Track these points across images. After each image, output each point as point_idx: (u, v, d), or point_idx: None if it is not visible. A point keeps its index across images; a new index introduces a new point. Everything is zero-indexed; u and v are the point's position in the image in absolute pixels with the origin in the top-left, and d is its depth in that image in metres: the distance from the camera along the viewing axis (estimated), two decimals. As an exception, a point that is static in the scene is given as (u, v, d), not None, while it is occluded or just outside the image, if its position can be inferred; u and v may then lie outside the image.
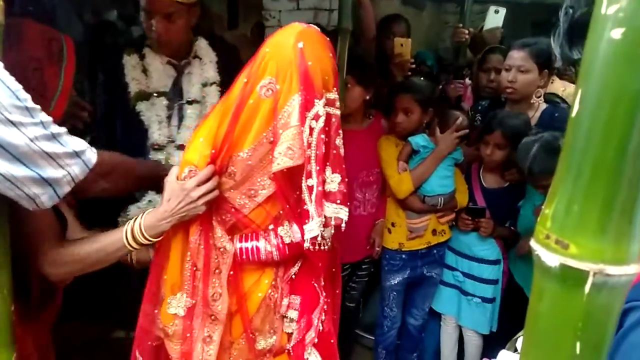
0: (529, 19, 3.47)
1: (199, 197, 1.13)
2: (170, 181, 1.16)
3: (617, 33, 0.30)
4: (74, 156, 0.92)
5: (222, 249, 1.17)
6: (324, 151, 1.13)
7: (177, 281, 1.20)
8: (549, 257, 0.34)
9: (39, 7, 2.61)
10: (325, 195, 1.17)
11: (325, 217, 1.16)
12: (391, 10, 2.94)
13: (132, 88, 1.63)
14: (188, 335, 1.19)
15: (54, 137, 0.88)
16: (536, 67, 1.93)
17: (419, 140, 1.94)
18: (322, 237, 1.15)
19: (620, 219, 0.32)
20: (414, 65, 2.38)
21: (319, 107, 1.11)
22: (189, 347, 1.19)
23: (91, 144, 1.00)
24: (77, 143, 0.93)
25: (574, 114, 0.33)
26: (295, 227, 1.16)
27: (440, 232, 2.04)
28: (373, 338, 2.29)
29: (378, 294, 2.25)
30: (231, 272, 1.19)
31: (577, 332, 0.34)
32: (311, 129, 1.10)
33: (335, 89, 1.17)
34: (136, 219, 1.14)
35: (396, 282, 2.08)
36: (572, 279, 0.33)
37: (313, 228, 1.12)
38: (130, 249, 1.14)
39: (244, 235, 1.20)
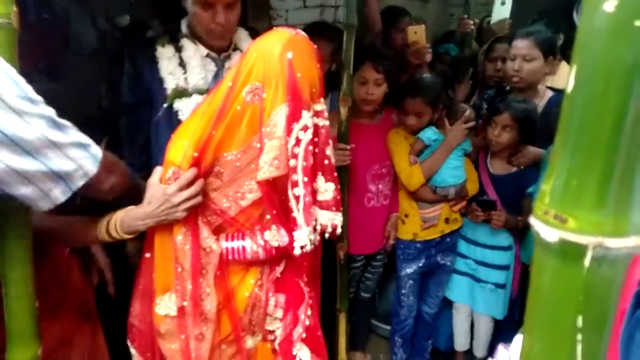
0: (536, 8, 3.44)
1: (180, 203, 1.11)
2: (152, 183, 1.16)
3: (610, 6, 0.30)
4: (81, 148, 0.92)
5: (208, 249, 1.18)
6: (312, 162, 1.14)
7: (164, 281, 1.21)
8: (548, 232, 0.34)
9: (51, 13, 2.66)
10: (320, 204, 1.21)
11: (321, 224, 1.22)
12: (397, 3, 2.93)
13: (168, 84, 1.46)
14: (183, 336, 1.20)
15: (58, 127, 0.88)
16: (541, 54, 1.93)
17: (429, 134, 1.96)
18: (311, 243, 1.18)
19: (618, 192, 0.32)
20: (430, 54, 2.36)
21: (306, 118, 1.11)
22: (183, 346, 1.21)
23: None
24: (82, 136, 0.93)
25: (569, 89, 0.33)
26: (282, 231, 1.17)
27: (453, 220, 2.06)
28: (389, 327, 2.31)
29: (392, 284, 2.27)
30: (218, 272, 1.20)
31: (579, 306, 0.34)
32: (298, 140, 1.10)
33: (322, 99, 1.17)
34: (115, 212, 1.15)
35: (412, 270, 2.11)
36: (571, 253, 0.33)
37: (302, 237, 1.15)
38: (101, 238, 1.15)
39: (229, 234, 1.21)
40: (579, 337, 0.34)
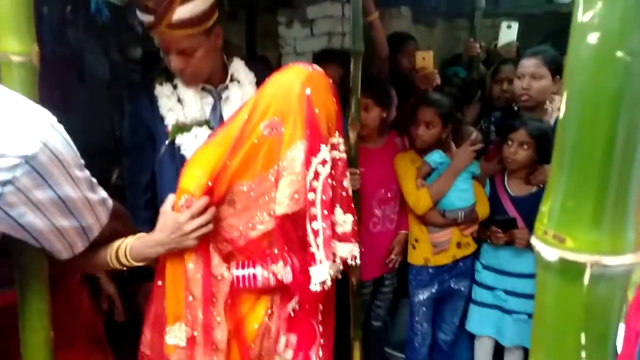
0: (542, 30, 3.48)
1: (192, 231, 1.12)
2: (165, 211, 1.17)
3: (593, 38, 0.32)
4: (103, 204, 0.97)
5: (219, 277, 1.18)
6: (331, 195, 1.15)
7: (175, 310, 1.21)
8: (548, 252, 0.35)
9: (66, 47, 2.77)
10: (339, 237, 1.21)
11: (340, 257, 1.20)
12: (402, 29, 3.00)
13: (169, 120, 1.48)
14: None
15: (92, 188, 0.93)
16: (549, 73, 1.95)
17: (435, 157, 1.97)
18: (331, 278, 1.17)
19: (613, 211, 0.34)
20: (438, 78, 2.40)
21: (324, 152, 1.13)
22: None
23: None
24: (103, 192, 0.98)
25: (561, 115, 0.35)
26: (288, 268, 1.18)
27: (465, 245, 2.03)
28: (403, 356, 2.26)
29: (405, 310, 2.24)
30: (228, 301, 1.20)
31: (581, 323, 0.35)
32: (317, 174, 1.12)
33: (337, 132, 1.20)
34: (125, 239, 1.15)
35: (425, 297, 2.08)
36: (571, 271, 0.34)
37: (322, 272, 1.14)
38: (111, 264, 1.15)
39: (240, 262, 1.21)
40: (583, 354, 0.35)
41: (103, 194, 0.98)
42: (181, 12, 1.33)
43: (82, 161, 0.90)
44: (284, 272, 1.18)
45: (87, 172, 0.91)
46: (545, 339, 0.37)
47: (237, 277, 1.20)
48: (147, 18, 1.37)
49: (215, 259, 1.19)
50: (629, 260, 0.34)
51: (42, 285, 1.02)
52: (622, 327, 0.78)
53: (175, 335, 1.20)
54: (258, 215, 1.18)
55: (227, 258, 1.21)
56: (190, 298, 1.19)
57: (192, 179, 1.17)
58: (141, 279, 1.58)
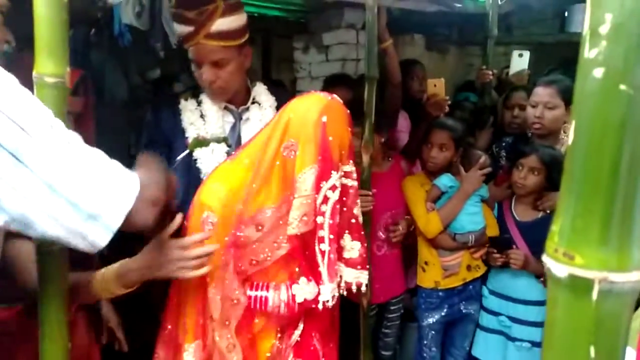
0: (554, 59, 3.52)
1: (192, 259, 1.09)
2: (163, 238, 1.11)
3: (599, 72, 0.35)
4: None
5: (235, 301, 1.21)
6: (338, 221, 1.20)
7: (195, 329, 1.24)
8: (558, 269, 0.38)
9: (89, 65, 2.86)
10: (345, 261, 1.26)
11: (346, 282, 1.25)
12: (415, 55, 3.06)
13: (189, 133, 1.54)
14: None
15: None
16: (563, 103, 1.96)
17: (445, 181, 1.99)
18: (334, 299, 1.21)
19: (619, 231, 0.36)
20: (449, 103, 2.45)
21: (334, 179, 1.18)
22: None
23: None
24: None
25: (570, 142, 0.38)
26: (312, 283, 1.21)
27: (475, 267, 2.04)
28: (412, 381, 2.25)
29: (413, 335, 2.23)
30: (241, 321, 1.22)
31: (590, 337, 0.37)
32: (326, 198, 1.17)
33: (351, 161, 1.25)
34: (107, 268, 1.12)
35: (434, 320, 2.07)
36: (580, 287, 0.37)
37: (326, 292, 1.20)
38: (97, 295, 1.11)
39: (254, 283, 1.24)
40: (593, 366, 0.37)
41: None
42: (220, 24, 1.42)
43: None
44: (307, 288, 1.21)
45: None
46: (555, 353, 0.39)
47: (249, 297, 1.23)
48: (185, 29, 1.45)
49: (234, 283, 1.21)
50: (635, 277, 0.36)
51: (62, 296, 1.05)
52: (632, 353, 0.79)
53: (194, 354, 1.23)
54: (283, 235, 1.21)
55: (243, 281, 1.24)
56: (208, 320, 1.22)
57: (212, 193, 1.22)
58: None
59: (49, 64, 0.99)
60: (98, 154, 0.78)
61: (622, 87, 0.34)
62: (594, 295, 0.36)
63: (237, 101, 1.60)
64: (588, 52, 0.36)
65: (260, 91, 1.64)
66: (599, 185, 0.36)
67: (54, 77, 1.00)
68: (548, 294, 0.40)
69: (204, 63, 1.47)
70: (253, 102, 1.62)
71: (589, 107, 0.36)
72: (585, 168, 0.37)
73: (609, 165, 0.36)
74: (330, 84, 2.55)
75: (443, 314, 2.06)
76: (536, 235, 1.93)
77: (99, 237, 0.76)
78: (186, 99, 1.57)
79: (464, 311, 2.07)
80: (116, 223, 0.76)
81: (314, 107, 1.18)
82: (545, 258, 0.39)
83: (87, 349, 1.43)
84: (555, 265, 0.38)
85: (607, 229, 0.36)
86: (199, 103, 1.57)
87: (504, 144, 2.36)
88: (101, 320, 1.55)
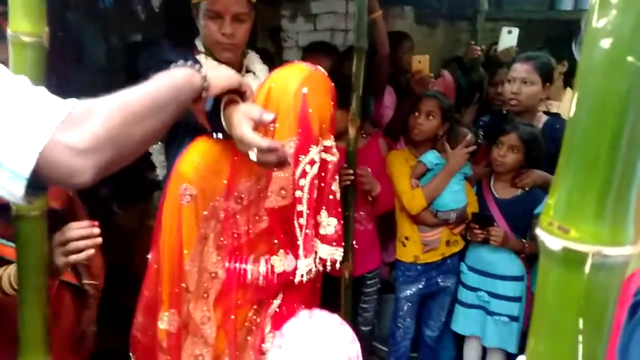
0: (542, 36, 3.52)
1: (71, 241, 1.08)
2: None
3: (606, 43, 0.34)
4: None
5: (213, 275, 1.21)
6: (315, 196, 1.19)
7: (170, 298, 1.23)
8: (552, 242, 0.38)
9: (69, 31, 2.75)
10: (321, 237, 1.25)
11: (320, 257, 1.25)
12: (404, 28, 3.02)
13: None
14: (183, 355, 1.22)
15: None
16: (540, 80, 1.97)
17: (431, 157, 1.99)
18: (310, 273, 1.22)
19: (615, 206, 0.36)
20: (433, 82, 2.44)
21: (314, 153, 1.16)
22: None
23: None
24: None
25: (571, 114, 0.37)
26: (290, 256, 1.21)
27: (453, 242, 2.08)
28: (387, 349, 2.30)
29: (391, 306, 2.27)
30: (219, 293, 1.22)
31: (580, 309, 0.37)
32: (304, 173, 1.15)
33: (332, 136, 1.22)
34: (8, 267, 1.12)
35: (411, 292, 2.12)
36: (573, 260, 0.37)
37: (302, 266, 1.20)
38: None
39: (233, 256, 1.23)
40: (580, 338, 0.38)
41: None
42: None
43: None
44: (286, 260, 1.21)
45: None
46: (544, 323, 0.40)
47: (228, 269, 1.22)
48: None
49: (213, 257, 1.20)
50: (627, 252, 0.36)
51: (40, 260, 1.03)
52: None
53: (168, 322, 1.22)
54: (264, 208, 1.20)
55: (223, 254, 1.23)
56: (184, 291, 1.21)
57: (192, 165, 1.19)
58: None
59: (25, 23, 0.94)
60: (17, 94, 0.66)
61: (630, 58, 0.33)
62: (587, 268, 0.36)
63: (231, 67, 1.55)
64: (596, 22, 0.35)
65: (253, 60, 1.60)
66: (597, 160, 0.36)
67: (31, 36, 0.95)
68: (540, 267, 0.40)
69: (226, 15, 1.41)
70: (247, 71, 1.57)
71: (594, 78, 0.35)
72: (585, 141, 0.36)
73: (609, 140, 0.35)
74: (310, 52, 2.50)
75: (420, 286, 2.10)
76: (515, 212, 1.97)
77: (11, 186, 0.63)
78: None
79: (441, 284, 2.12)
80: (23, 169, 0.62)
81: (295, 77, 1.14)
82: (539, 231, 0.39)
83: (75, 324, 1.42)
84: (549, 239, 0.38)
85: (603, 204, 0.36)
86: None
87: (481, 122, 2.38)
88: (86, 296, 1.54)
